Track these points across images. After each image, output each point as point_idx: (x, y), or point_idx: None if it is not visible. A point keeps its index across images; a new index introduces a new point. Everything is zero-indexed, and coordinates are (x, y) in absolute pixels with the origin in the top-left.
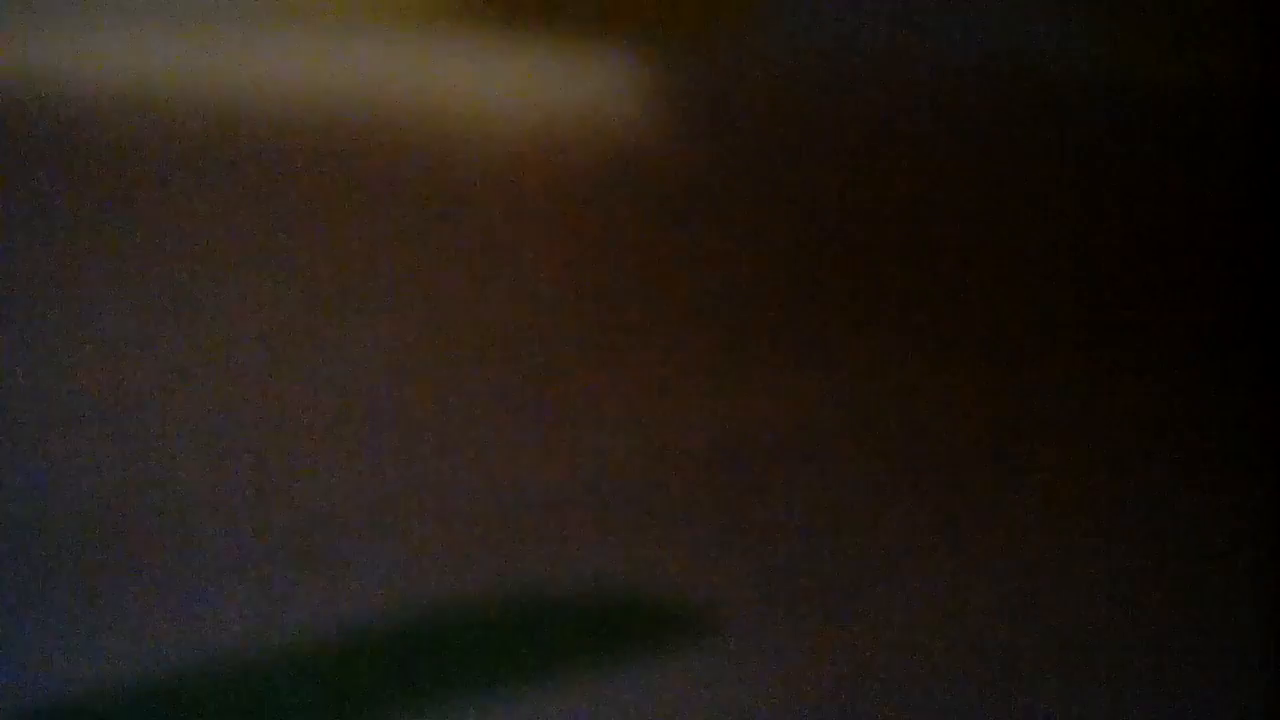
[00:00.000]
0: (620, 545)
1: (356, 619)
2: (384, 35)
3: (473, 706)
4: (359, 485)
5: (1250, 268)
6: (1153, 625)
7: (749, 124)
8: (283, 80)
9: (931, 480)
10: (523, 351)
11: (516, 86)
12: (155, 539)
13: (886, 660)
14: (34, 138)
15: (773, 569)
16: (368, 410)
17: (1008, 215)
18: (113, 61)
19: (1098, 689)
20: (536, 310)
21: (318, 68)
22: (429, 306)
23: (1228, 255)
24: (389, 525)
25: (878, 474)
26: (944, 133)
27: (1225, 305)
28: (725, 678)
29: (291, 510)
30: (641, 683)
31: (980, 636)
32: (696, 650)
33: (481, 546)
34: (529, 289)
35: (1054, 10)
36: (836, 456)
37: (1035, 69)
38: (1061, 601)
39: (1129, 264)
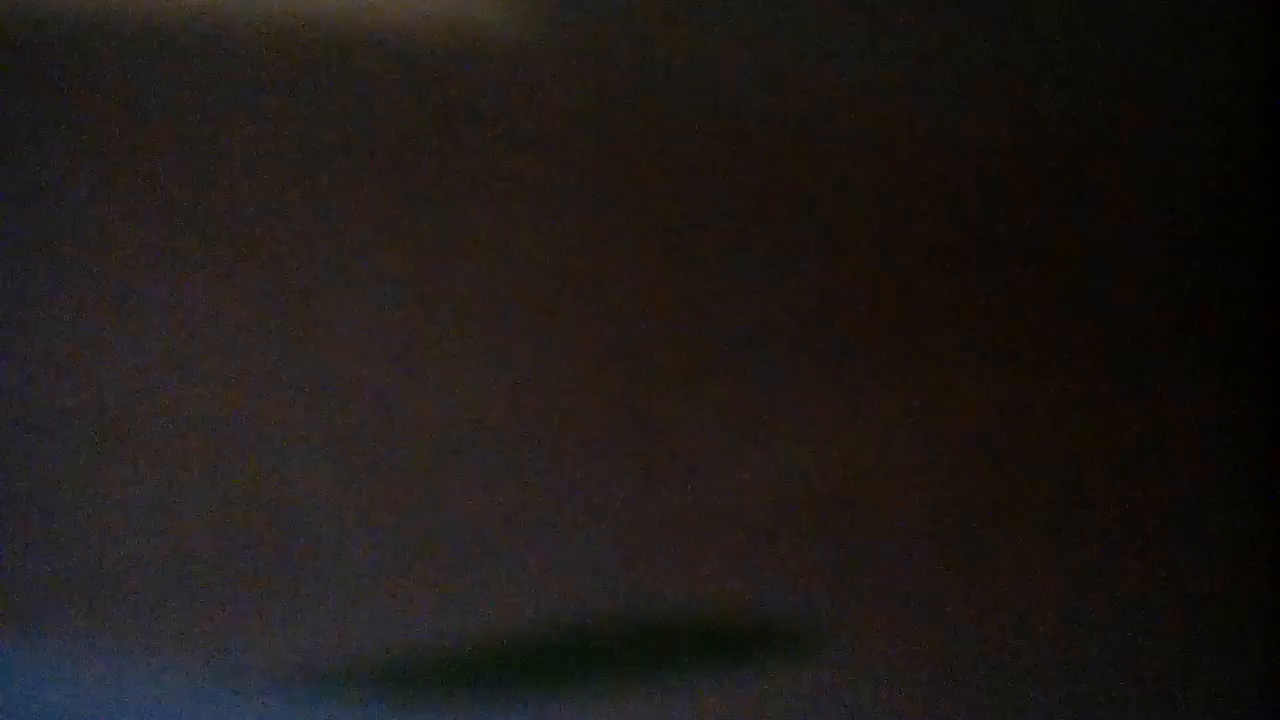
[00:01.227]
0: (730, 565)
1: (493, 628)
2: None
3: (597, 712)
4: (494, 501)
5: None
6: (1244, 635)
7: (838, 142)
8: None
9: (1029, 500)
10: (639, 373)
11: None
12: (293, 552)
13: (982, 674)
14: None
15: (875, 587)
16: (502, 427)
17: (1108, 236)
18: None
19: (1194, 698)
20: (642, 336)
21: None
22: (555, 327)
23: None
24: (522, 542)
25: (976, 495)
26: (1037, 151)
27: None
28: (830, 690)
29: (432, 523)
30: (753, 691)
31: (1077, 652)
32: (803, 663)
33: (606, 564)
34: (639, 312)
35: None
36: (934, 479)
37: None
38: (1152, 616)
39: (1218, 286)
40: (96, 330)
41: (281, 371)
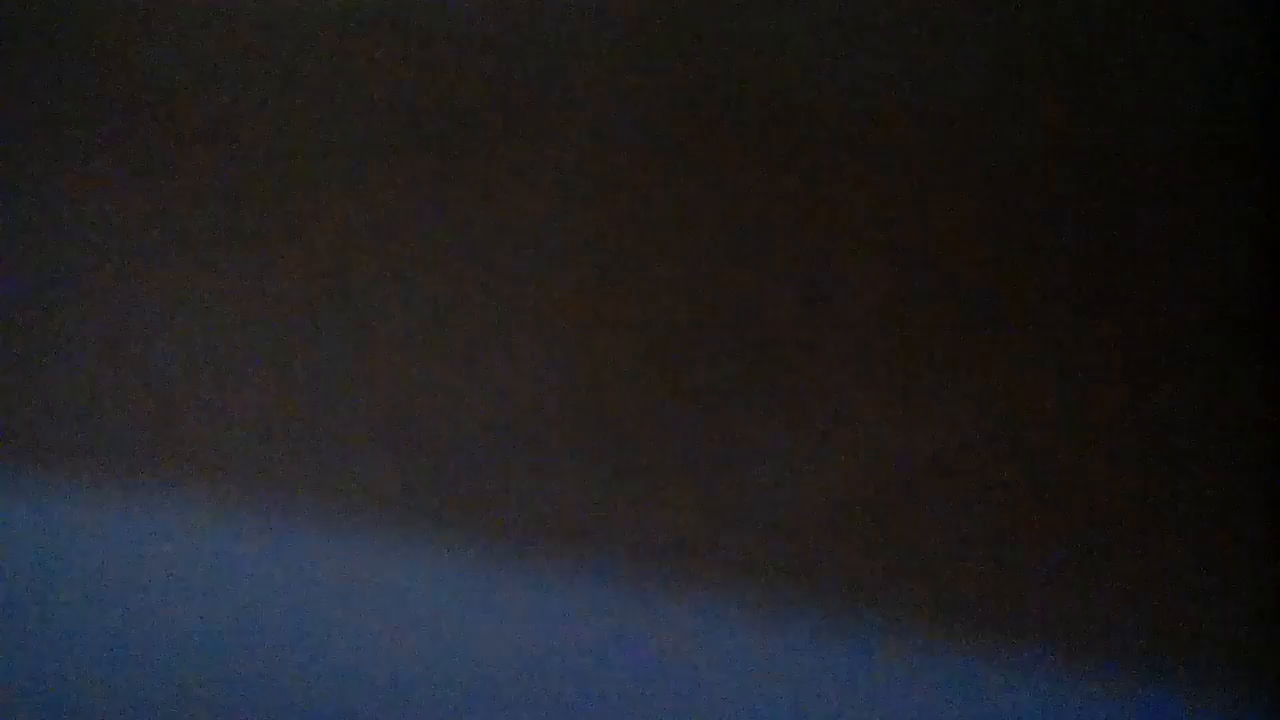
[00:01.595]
0: (794, 558)
1: (552, 618)
2: None
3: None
4: (557, 495)
5: None
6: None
7: (907, 140)
8: None
9: (1084, 496)
10: (696, 366)
11: None
12: (350, 541)
13: (1035, 669)
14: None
15: (932, 579)
16: (560, 422)
17: (1169, 228)
18: None
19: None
20: (699, 330)
21: None
22: (613, 322)
23: None
24: (587, 540)
25: (1035, 489)
26: (1097, 144)
27: None
28: (886, 671)
29: (487, 518)
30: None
31: (1140, 650)
32: (867, 646)
33: (663, 556)
34: (694, 306)
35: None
36: (994, 472)
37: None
38: (1229, 617)
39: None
40: (145, 324)
41: (334, 362)
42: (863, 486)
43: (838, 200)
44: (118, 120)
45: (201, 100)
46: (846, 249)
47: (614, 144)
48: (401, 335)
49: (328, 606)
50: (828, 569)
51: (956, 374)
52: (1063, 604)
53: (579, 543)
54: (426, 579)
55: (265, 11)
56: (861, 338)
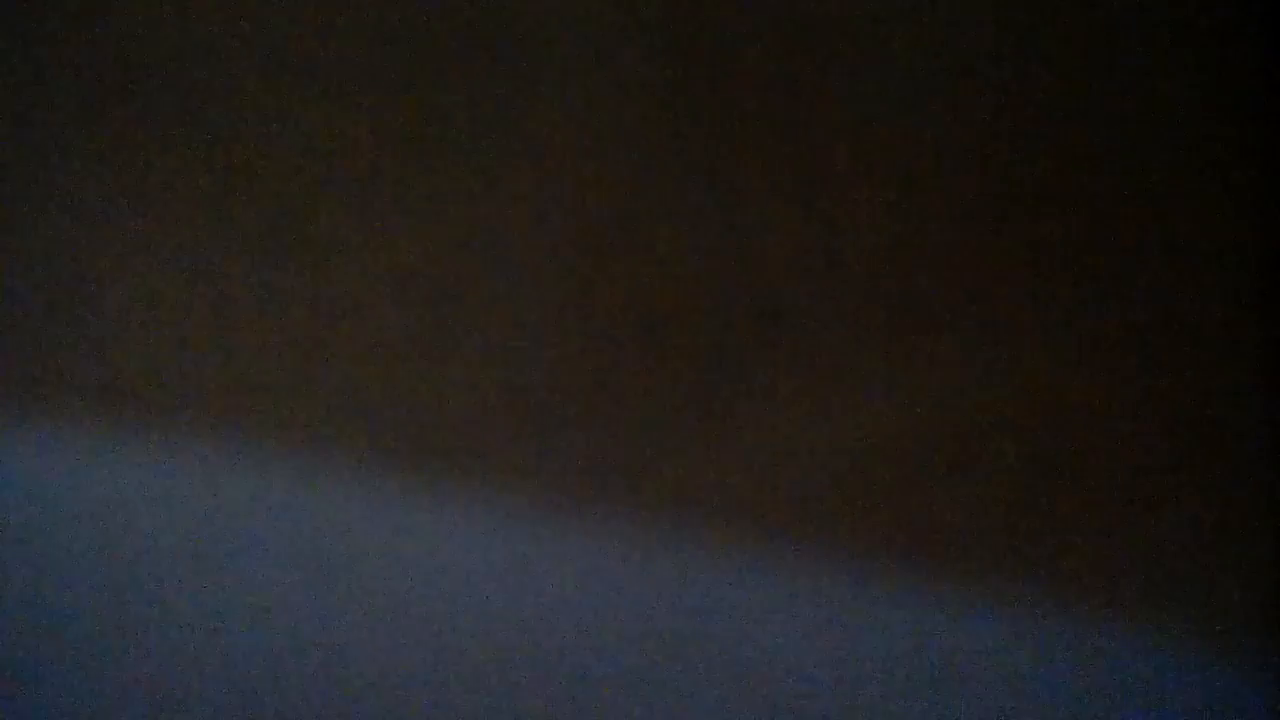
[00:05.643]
0: (801, 533)
1: (546, 574)
2: None
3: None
4: (551, 480)
5: None
6: None
7: (914, 131)
8: None
9: (1094, 475)
10: (701, 349)
11: None
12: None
13: (1038, 654)
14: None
15: (935, 536)
16: (568, 384)
17: (1174, 215)
18: None
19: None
20: (713, 307)
21: None
22: (617, 279)
23: None
24: (581, 519)
25: (1042, 468)
26: (1104, 134)
27: None
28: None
29: (480, 487)
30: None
31: (1136, 632)
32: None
33: (672, 518)
34: (698, 265)
35: None
36: (1002, 450)
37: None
38: (1242, 594)
39: None
40: (100, 273)
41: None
42: (868, 448)
43: (844, 165)
44: (68, 62)
45: (155, 40)
46: (856, 211)
47: (609, 94)
48: (373, 288)
49: (311, 558)
50: (833, 527)
51: (958, 342)
52: (1070, 570)
53: (576, 502)
54: (397, 535)
55: None
56: (867, 303)
